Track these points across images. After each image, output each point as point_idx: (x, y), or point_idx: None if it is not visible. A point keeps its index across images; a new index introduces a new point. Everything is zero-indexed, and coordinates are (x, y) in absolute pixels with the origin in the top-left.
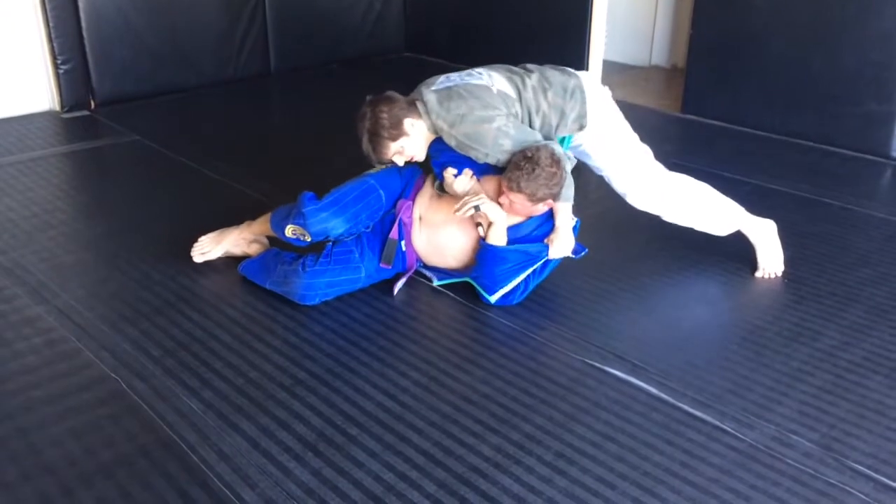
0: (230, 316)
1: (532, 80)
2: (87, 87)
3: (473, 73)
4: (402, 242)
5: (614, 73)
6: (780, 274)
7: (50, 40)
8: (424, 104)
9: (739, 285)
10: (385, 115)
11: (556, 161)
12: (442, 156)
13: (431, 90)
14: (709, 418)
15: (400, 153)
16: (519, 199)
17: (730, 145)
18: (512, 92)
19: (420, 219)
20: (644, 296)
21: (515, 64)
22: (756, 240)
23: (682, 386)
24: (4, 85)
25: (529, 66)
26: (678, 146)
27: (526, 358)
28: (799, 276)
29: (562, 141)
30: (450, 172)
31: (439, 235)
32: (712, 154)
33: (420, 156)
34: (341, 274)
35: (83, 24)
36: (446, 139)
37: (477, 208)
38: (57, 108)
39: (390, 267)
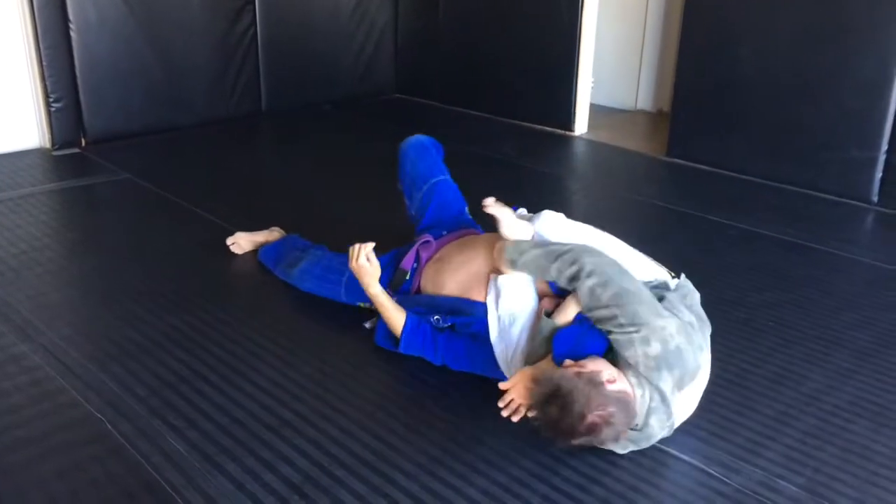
0: (217, 355)
1: None
2: (79, 124)
3: None
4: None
5: (601, 116)
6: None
7: (42, 78)
8: None
9: (725, 326)
10: None
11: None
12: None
13: None
14: (695, 462)
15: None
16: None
17: (715, 189)
18: None
19: (440, 259)
20: None
21: (509, 104)
22: None
23: None
24: None
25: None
26: (663, 189)
27: None
28: (784, 319)
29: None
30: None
31: (451, 263)
32: (697, 197)
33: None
34: (335, 259)
35: (76, 62)
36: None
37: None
38: (47, 145)
39: (394, 293)
